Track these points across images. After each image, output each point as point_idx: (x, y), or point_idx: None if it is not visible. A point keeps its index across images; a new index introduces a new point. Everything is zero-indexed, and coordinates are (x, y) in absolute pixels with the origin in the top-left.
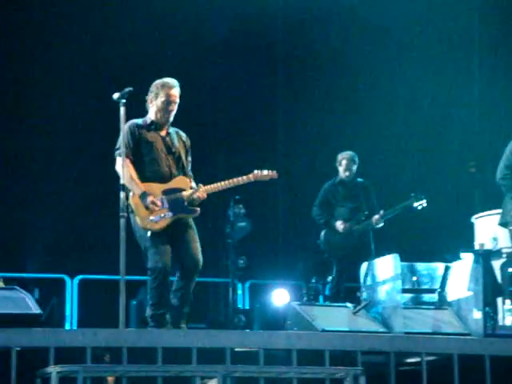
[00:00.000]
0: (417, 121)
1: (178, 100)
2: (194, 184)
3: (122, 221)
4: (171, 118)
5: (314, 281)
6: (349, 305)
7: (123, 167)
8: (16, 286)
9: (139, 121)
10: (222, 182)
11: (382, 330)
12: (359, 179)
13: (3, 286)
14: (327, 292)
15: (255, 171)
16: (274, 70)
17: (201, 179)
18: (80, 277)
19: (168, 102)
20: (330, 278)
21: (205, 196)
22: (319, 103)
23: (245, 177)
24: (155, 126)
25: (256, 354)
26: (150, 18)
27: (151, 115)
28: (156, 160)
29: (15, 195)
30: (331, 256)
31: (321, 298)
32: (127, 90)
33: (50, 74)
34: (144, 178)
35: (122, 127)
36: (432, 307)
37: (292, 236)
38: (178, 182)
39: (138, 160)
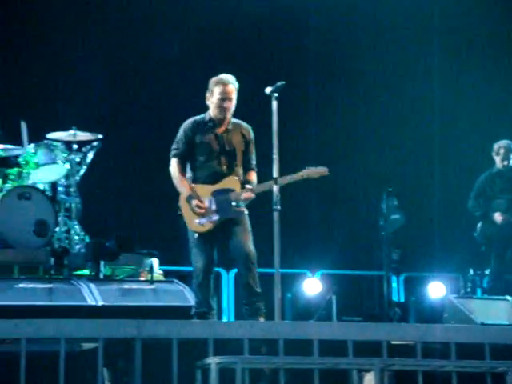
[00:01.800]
0: None
1: (233, 96)
2: (254, 177)
3: (276, 214)
4: (228, 115)
5: (471, 273)
6: (509, 298)
7: (172, 168)
8: (175, 279)
9: (197, 118)
10: (271, 181)
11: None
12: None
13: (163, 278)
14: (485, 284)
15: (306, 168)
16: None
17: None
18: (235, 270)
19: (223, 99)
20: (488, 271)
21: (253, 196)
22: None
23: (295, 175)
24: (213, 123)
25: (413, 348)
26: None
27: (210, 112)
28: (209, 161)
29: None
30: (489, 248)
31: (478, 291)
32: (279, 84)
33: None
34: (196, 178)
35: (273, 121)
36: None
37: (447, 228)
38: (228, 182)
39: (192, 160)
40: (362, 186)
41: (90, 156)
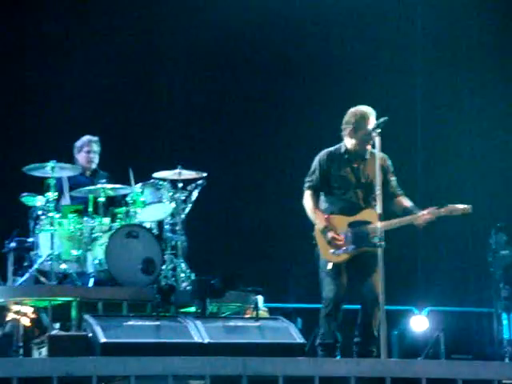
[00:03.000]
0: None
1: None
2: (408, 203)
3: (380, 250)
4: (368, 148)
5: None
6: None
7: (306, 200)
8: (280, 316)
9: (332, 149)
10: (410, 216)
11: None
12: None
13: (268, 315)
14: None
15: (449, 205)
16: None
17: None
18: None
19: (369, 134)
20: None
21: (432, 217)
22: None
23: (437, 210)
24: (349, 155)
25: None
26: None
27: (347, 144)
28: (345, 193)
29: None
30: None
31: None
32: (383, 120)
33: None
34: (332, 210)
35: (376, 157)
36: None
37: None
38: (366, 214)
39: (327, 192)
40: (470, 221)
41: (195, 194)
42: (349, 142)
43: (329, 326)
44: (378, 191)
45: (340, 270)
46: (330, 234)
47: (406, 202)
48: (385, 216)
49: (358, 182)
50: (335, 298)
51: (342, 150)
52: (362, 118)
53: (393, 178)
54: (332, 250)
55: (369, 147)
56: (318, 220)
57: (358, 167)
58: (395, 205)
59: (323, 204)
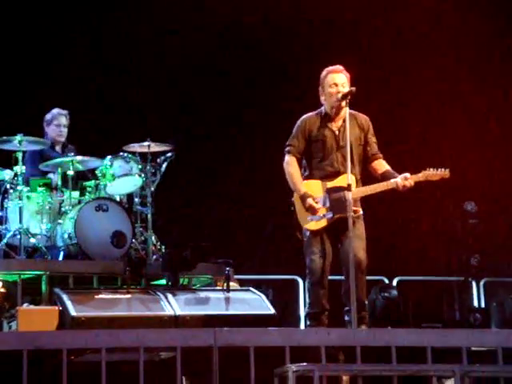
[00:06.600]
0: None
1: (342, 86)
2: (387, 167)
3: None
4: (343, 105)
5: None
6: None
7: (287, 164)
8: (251, 288)
9: (313, 113)
10: (383, 183)
11: None
12: None
13: (238, 287)
14: None
15: (427, 169)
16: None
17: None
18: None
19: (333, 88)
20: None
21: (411, 184)
22: None
23: (415, 176)
24: (328, 118)
25: (494, 354)
26: None
27: (325, 107)
28: (324, 158)
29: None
30: None
31: None
32: (348, 90)
33: None
34: (312, 175)
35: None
36: None
37: None
38: (343, 180)
39: (308, 157)
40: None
41: (164, 166)
42: (325, 104)
43: (315, 295)
44: (351, 154)
45: (321, 237)
46: (308, 201)
47: (385, 167)
48: (364, 180)
49: (337, 146)
50: (319, 266)
51: (322, 113)
52: (325, 75)
53: (373, 140)
54: (309, 217)
55: (344, 107)
56: (297, 187)
57: (336, 130)
58: (373, 167)
59: (302, 169)
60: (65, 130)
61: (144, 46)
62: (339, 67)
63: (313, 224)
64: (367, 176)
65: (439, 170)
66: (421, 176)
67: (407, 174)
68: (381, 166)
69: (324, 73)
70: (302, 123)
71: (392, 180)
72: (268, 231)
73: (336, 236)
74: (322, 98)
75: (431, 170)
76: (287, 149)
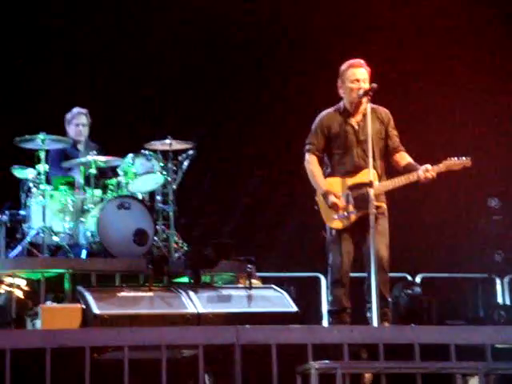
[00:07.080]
0: None
1: (364, 81)
2: (409, 160)
3: (372, 218)
4: (363, 101)
5: None
6: None
7: (307, 163)
8: (273, 285)
9: (331, 109)
10: (405, 176)
11: None
12: None
13: (261, 285)
14: None
15: (448, 159)
16: None
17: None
18: None
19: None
20: None
21: (433, 175)
22: None
23: (436, 167)
24: (347, 113)
25: None
26: None
27: (345, 101)
28: (345, 153)
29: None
30: None
31: None
32: (372, 85)
33: None
34: (333, 172)
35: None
36: None
37: None
38: (364, 175)
39: (329, 154)
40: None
41: (186, 164)
42: (345, 98)
43: (336, 294)
44: (372, 149)
45: (344, 236)
46: (331, 199)
47: (407, 159)
48: (389, 174)
49: (357, 140)
50: (341, 264)
51: (341, 108)
52: (346, 69)
53: (394, 133)
54: (335, 216)
55: (364, 101)
56: (319, 185)
57: (356, 125)
58: (396, 161)
59: (324, 166)
60: (84, 129)
61: (164, 43)
62: (360, 61)
63: (338, 222)
64: (391, 170)
65: (460, 158)
66: (442, 166)
67: (428, 166)
68: (403, 158)
69: (344, 66)
70: (321, 120)
71: (413, 173)
72: (290, 229)
73: (360, 233)
74: (341, 91)
75: (452, 159)
76: (307, 147)
